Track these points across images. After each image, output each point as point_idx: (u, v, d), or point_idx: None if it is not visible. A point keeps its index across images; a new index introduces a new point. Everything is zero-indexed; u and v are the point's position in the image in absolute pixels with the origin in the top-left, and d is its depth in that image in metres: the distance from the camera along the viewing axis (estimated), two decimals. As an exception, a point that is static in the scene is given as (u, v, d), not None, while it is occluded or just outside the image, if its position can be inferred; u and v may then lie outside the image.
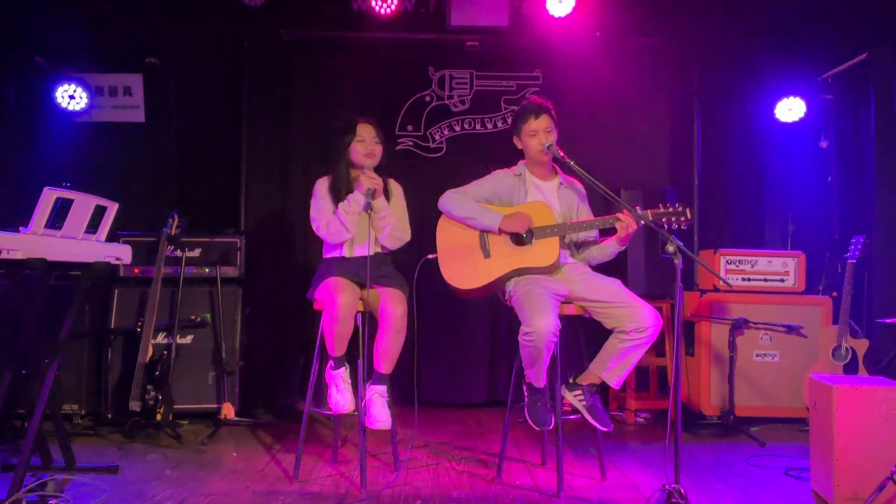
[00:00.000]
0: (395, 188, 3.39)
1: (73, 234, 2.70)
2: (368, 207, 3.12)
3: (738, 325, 4.18)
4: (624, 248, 3.18)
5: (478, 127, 5.01)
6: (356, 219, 3.17)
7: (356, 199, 3.14)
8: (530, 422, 3.03)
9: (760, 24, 4.83)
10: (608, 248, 3.18)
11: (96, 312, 4.18)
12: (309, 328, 4.49)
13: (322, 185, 3.28)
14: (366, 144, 3.25)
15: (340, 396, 3.05)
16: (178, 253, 4.23)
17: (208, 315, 4.25)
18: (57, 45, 4.73)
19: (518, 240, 3.14)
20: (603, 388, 3.10)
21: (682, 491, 2.61)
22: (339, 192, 3.22)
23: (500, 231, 3.10)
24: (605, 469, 3.22)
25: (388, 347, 3.03)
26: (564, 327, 2.92)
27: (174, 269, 4.16)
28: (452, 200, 3.20)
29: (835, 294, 4.32)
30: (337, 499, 2.86)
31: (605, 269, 3.24)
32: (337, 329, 2.95)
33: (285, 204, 4.88)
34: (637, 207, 3.03)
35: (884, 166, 4.31)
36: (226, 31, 4.82)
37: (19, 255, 2.43)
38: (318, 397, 3.22)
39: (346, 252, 3.26)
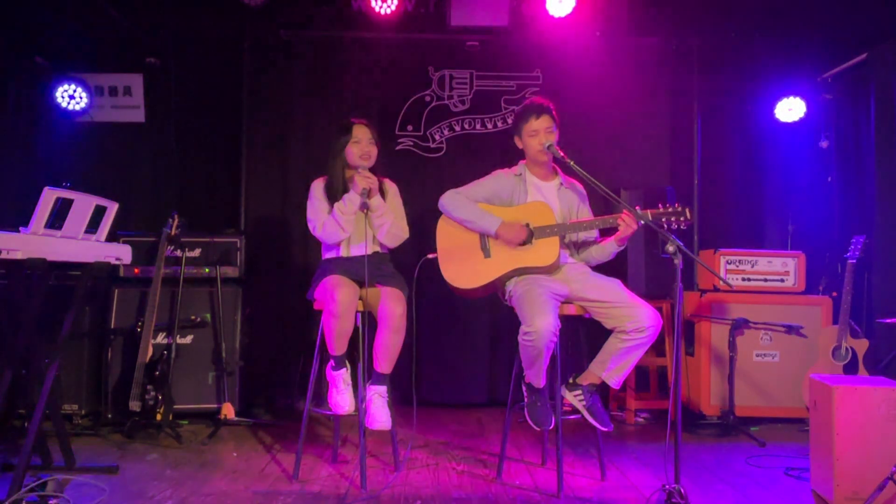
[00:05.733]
0: (391, 187, 3.40)
1: (73, 234, 2.70)
2: (365, 207, 3.13)
3: (738, 325, 4.18)
4: (623, 248, 3.19)
5: (478, 127, 5.01)
6: (352, 218, 3.17)
7: (352, 199, 3.14)
8: (530, 422, 3.03)
9: (760, 24, 4.83)
10: (607, 249, 3.18)
11: (96, 312, 4.18)
12: (309, 328, 4.50)
13: (318, 186, 3.28)
14: (361, 146, 3.25)
15: (341, 397, 3.05)
16: (178, 253, 4.22)
17: (208, 315, 4.25)
18: (57, 45, 4.73)
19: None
20: (603, 388, 3.10)
21: (682, 491, 2.61)
22: (336, 193, 3.22)
23: (497, 236, 3.10)
24: (605, 469, 3.22)
25: (388, 347, 3.03)
26: (564, 327, 2.92)
27: (174, 269, 4.16)
28: (452, 201, 3.20)
29: (835, 294, 4.32)
30: (337, 499, 2.86)
31: (605, 269, 3.24)
32: (337, 326, 2.95)
33: (285, 204, 4.88)
34: (637, 207, 3.03)
35: (884, 166, 4.31)
36: (226, 31, 4.82)
37: (19, 255, 2.43)
38: (318, 397, 3.22)
39: (344, 252, 3.26)
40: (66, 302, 2.98)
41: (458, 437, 3.99)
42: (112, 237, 3.08)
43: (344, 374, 3.08)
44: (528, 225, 3.13)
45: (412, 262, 3.18)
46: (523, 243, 3.10)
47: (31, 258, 2.48)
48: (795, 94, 4.87)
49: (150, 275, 4.04)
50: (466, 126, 5.02)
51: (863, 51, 4.48)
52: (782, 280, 4.40)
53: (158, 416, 3.81)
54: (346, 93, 4.89)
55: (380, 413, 3.00)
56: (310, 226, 3.25)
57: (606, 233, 3.21)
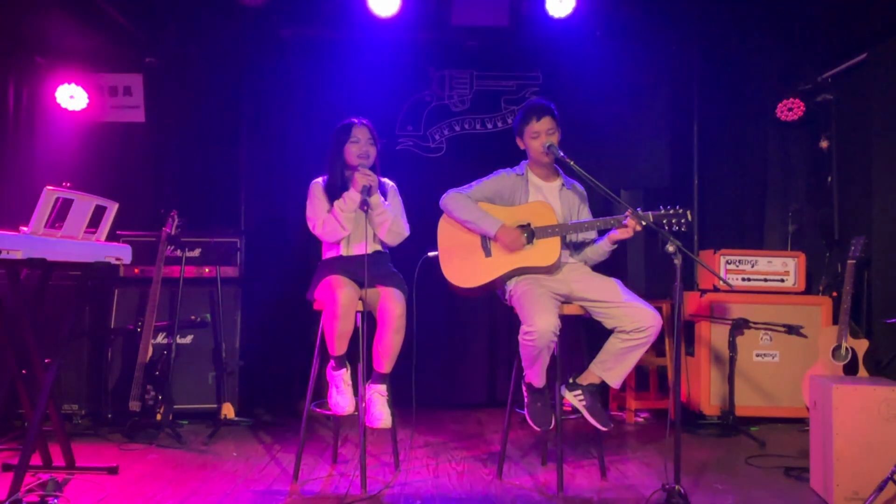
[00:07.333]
0: (391, 186, 3.41)
1: (73, 234, 2.70)
2: (365, 205, 3.13)
3: (738, 325, 4.18)
4: (616, 246, 3.18)
5: (478, 127, 5.01)
6: (352, 216, 3.17)
7: (352, 197, 3.15)
8: (530, 422, 3.03)
9: (760, 24, 4.83)
10: (602, 248, 3.18)
11: (96, 312, 4.18)
12: (309, 328, 4.50)
13: (317, 186, 3.29)
14: (360, 146, 3.26)
15: (341, 398, 3.05)
16: (178, 253, 4.23)
17: (208, 315, 4.25)
18: (57, 45, 4.73)
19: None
20: (603, 388, 3.10)
21: (682, 491, 2.62)
22: (335, 192, 3.23)
23: (496, 239, 3.10)
24: (605, 469, 3.22)
25: (388, 347, 3.04)
26: (564, 327, 2.92)
27: (174, 269, 4.16)
28: (454, 201, 3.20)
29: (835, 294, 4.32)
30: (337, 499, 2.87)
31: (605, 268, 3.24)
32: (338, 327, 2.95)
33: (285, 204, 4.88)
34: (637, 208, 3.03)
35: (884, 166, 4.31)
36: (225, 31, 4.81)
37: (19, 255, 2.43)
38: (318, 397, 3.23)
39: (344, 251, 3.26)
40: (66, 302, 2.98)
41: (458, 437, 3.99)
42: (112, 237, 3.08)
43: (344, 375, 3.08)
44: (529, 224, 3.13)
45: (412, 262, 3.18)
46: (527, 234, 3.11)
47: (31, 258, 2.48)
48: (795, 94, 4.87)
49: (150, 275, 4.04)
50: (466, 126, 5.02)
51: (863, 51, 4.48)
52: (782, 280, 4.40)
53: (158, 416, 3.81)
54: (346, 92, 4.89)
55: (380, 411, 3.00)
56: (309, 224, 3.25)
57: (605, 233, 3.21)
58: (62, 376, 3.95)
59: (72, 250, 2.68)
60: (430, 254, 3.21)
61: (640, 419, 4.49)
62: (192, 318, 4.20)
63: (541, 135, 3.17)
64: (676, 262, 2.67)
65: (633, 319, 2.90)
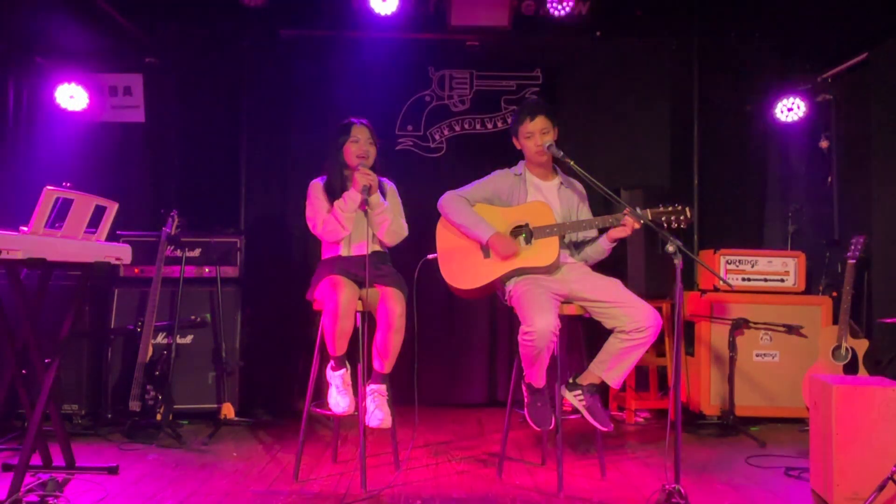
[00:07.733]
0: (390, 186, 3.41)
1: (73, 234, 2.70)
2: (366, 204, 3.13)
3: (738, 325, 4.18)
4: (615, 244, 3.18)
5: (478, 127, 5.01)
6: (352, 216, 3.17)
7: (352, 197, 3.15)
8: (530, 422, 3.03)
9: (760, 24, 4.83)
10: (602, 246, 3.18)
11: (96, 312, 4.18)
12: (309, 328, 4.50)
13: (317, 186, 3.29)
14: (360, 145, 3.26)
15: (341, 398, 3.05)
16: (178, 253, 4.23)
17: (208, 315, 4.25)
18: (57, 45, 4.73)
19: (517, 240, 3.15)
20: (603, 388, 3.10)
21: (682, 491, 2.61)
22: (334, 192, 3.23)
23: (488, 245, 3.09)
24: (605, 469, 3.22)
25: (388, 347, 3.03)
26: (564, 327, 2.93)
27: (174, 269, 4.16)
28: (450, 203, 3.20)
29: (835, 294, 4.32)
30: (337, 499, 2.87)
31: (605, 268, 3.24)
32: (338, 326, 2.95)
33: (285, 204, 4.88)
34: (636, 207, 3.03)
35: (884, 166, 4.31)
36: (226, 31, 4.82)
37: (19, 255, 2.42)
38: (318, 397, 3.23)
39: (344, 251, 3.26)
40: (66, 302, 2.98)
41: (458, 437, 3.99)
42: (112, 237, 3.08)
43: (344, 375, 3.09)
44: (527, 224, 3.13)
45: (412, 263, 3.18)
46: (525, 234, 3.11)
47: (31, 258, 2.48)
48: (795, 94, 4.87)
49: (150, 275, 4.04)
50: (466, 126, 5.02)
51: (863, 51, 4.48)
52: (782, 280, 4.40)
53: (158, 416, 3.81)
54: (346, 92, 4.88)
55: (380, 411, 3.00)
56: (309, 224, 3.25)
57: (605, 232, 3.21)
58: (62, 376, 3.94)
59: (72, 250, 2.68)
60: (430, 256, 3.21)
61: (640, 419, 4.49)
62: (192, 318, 4.20)
63: (534, 135, 3.17)
64: (676, 262, 2.66)
65: (632, 319, 2.90)
